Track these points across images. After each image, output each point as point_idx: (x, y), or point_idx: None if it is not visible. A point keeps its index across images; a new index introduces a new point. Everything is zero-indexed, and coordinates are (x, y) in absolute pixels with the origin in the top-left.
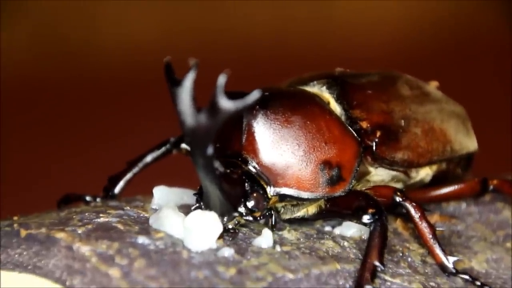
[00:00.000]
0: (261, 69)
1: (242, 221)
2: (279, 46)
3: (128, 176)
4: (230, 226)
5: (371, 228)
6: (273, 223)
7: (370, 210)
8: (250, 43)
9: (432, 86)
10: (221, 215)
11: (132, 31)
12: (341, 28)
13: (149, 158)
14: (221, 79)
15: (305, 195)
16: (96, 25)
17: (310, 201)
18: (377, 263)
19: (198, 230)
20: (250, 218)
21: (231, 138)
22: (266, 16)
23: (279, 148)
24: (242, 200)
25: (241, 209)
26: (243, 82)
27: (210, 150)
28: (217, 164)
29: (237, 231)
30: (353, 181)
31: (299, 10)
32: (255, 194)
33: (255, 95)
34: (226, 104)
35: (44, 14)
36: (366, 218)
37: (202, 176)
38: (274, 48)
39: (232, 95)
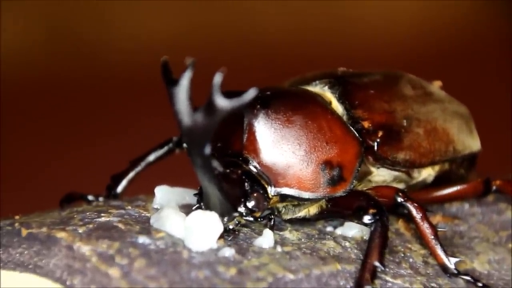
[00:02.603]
0: (272, 68)
1: (243, 221)
2: (289, 45)
3: (131, 175)
4: (230, 227)
5: (372, 228)
6: (273, 224)
7: (371, 211)
8: (261, 42)
9: (436, 86)
10: (221, 215)
11: (143, 30)
12: (349, 27)
13: (151, 157)
14: (217, 78)
15: (306, 195)
16: (107, 23)
17: (311, 201)
18: (377, 264)
19: (199, 230)
20: (251, 218)
21: (232, 137)
22: (276, 15)
23: (280, 148)
24: (242, 200)
25: (241, 209)
26: (253, 80)
27: (207, 150)
28: (215, 164)
29: (237, 231)
30: (354, 181)
31: (308, 8)
32: (255, 194)
33: (251, 93)
34: (222, 102)
35: (55, 12)
36: (367, 219)
37: (201, 176)
38: (284, 47)
39: (229, 94)
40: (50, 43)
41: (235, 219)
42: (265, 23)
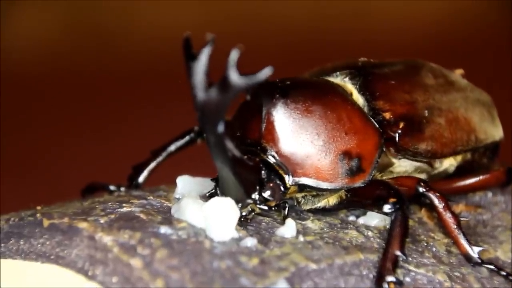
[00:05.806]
0: (292, 57)
1: (257, 210)
2: (309, 34)
3: (152, 165)
4: (243, 213)
5: (392, 217)
6: (286, 213)
7: (391, 200)
8: (281, 32)
9: (457, 74)
10: (236, 201)
11: (165, 21)
12: (369, 14)
13: (173, 147)
14: (233, 55)
15: (324, 185)
16: (129, 14)
17: (329, 191)
18: (398, 253)
19: (217, 217)
20: (265, 207)
21: (251, 126)
22: (296, 3)
23: (298, 138)
24: (257, 187)
25: (255, 196)
26: (281, 68)
27: (220, 128)
28: (228, 143)
29: (249, 220)
30: (373, 172)
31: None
32: (271, 184)
33: (266, 71)
34: (237, 79)
35: (77, 4)
36: (387, 208)
37: (215, 156)
38: (304, 36)
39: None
40: (71, 35)
41: (249, 207)
42: (285, 12)
